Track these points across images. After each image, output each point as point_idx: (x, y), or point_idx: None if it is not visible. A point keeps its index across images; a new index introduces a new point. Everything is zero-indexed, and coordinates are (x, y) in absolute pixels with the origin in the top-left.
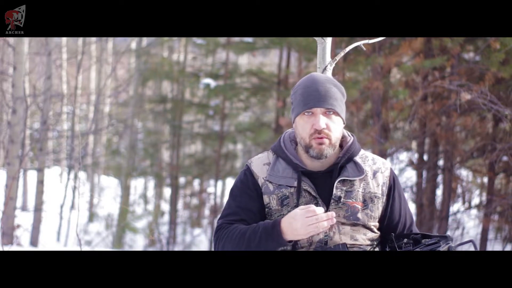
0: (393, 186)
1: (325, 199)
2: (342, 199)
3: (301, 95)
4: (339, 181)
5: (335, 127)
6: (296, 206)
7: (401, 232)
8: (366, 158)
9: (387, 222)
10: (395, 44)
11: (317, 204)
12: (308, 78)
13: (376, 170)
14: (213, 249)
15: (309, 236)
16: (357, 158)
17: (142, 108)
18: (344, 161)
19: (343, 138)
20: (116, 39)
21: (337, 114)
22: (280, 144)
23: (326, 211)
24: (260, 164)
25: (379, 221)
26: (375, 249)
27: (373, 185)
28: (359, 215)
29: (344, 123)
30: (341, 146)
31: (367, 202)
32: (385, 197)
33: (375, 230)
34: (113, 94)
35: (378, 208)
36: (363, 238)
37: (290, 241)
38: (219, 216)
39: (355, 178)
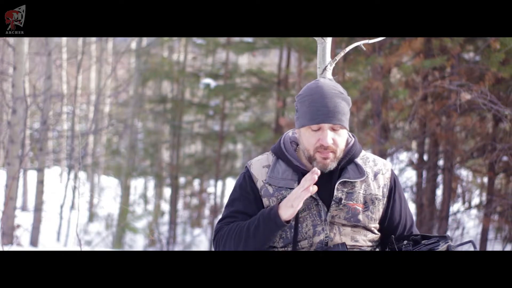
0: (394, 187)
1: (325, 200)
2: (343, 201)
3: (308, 108)
4: (340, 183)
5: (341, 141)
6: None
7: (402, 233)
8: (367, 159)
9: (388, 223)
10: (395, 44)
11: (317, 206)
12: (315, 89)
13: (377, 171)
14: (212, 248)
15: (302, 202)
16: (358, 160)
17: (142, 108)
18: (345, 162)
19: None
20: (116, 39)
21: (343, 127)
22: (280, 145)
23: (327, 213)
24: (260, 166)
25: (379, 223)
26: (375, 250)
27: (374, 187)
28: (360, 217)
29: (347, 130)
30: None
31: (368, 204)
32: (385, 199)
33: (376, 231)
34: (113, 94)
35: (378, 210)
36: (364, 239)
37: (287, 222)
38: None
39: (356, 179)
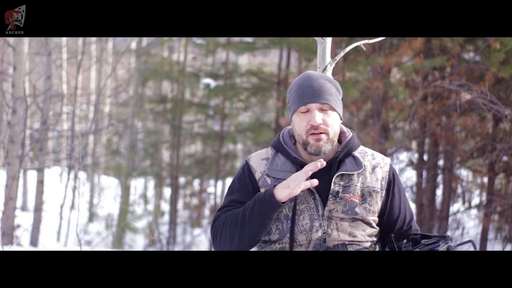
0: (392, 181)
1: (323, 193)
2: (340, 194)
3: (295, 93)
4: (337, 176)
5: (331, 122)
6: (294, 200)
7: (401, 228)
8: (366, 153)
9: (387, 217)
10: (395, 44)
11: (315, 200)
12: (302, 76)
13: (375, 165)
14: (212, 248)
15: (300, 189)
16: (356, 153)
17: (142, 108)
18: (343, 155)
19: (342, 133)
20: (116, 39)
21: (333, 109)
22: (280, 139)
23: (324, 206)
24: (259, 158)
25: (378, 216)
26: (375, 246)
27: (371, 180)
28: (357, 209)
29: (341, 119)
30: (340, 141)
31: (366, 196)
32: (384, 192)
33: (374, 225)
34: (113, 94)
35: (377, 203)
36: (362, 235)
37: (283, 202)
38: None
39: (353, 172)
